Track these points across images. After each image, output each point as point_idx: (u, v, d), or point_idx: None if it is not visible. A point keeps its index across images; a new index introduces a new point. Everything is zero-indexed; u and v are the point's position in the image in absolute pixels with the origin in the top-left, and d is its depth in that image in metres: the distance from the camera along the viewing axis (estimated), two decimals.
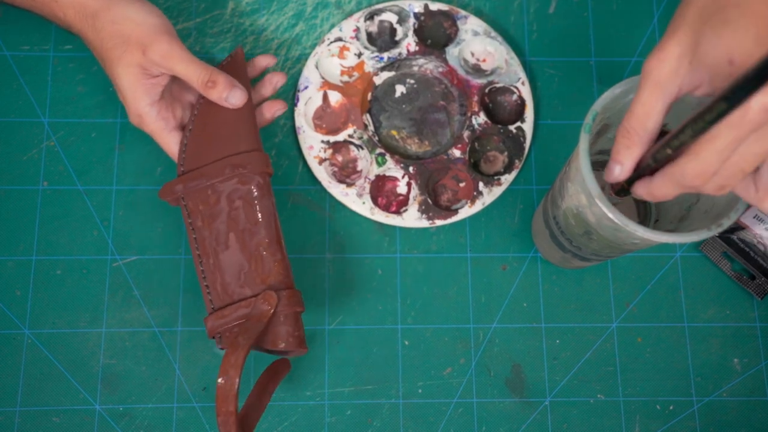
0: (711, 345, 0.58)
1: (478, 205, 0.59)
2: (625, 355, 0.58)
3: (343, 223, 0.59)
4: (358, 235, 0.59)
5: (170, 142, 0.54)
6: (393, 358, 0.57)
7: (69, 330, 0.56)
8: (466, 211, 0.59)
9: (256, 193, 0.52)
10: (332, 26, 0.63)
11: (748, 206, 0.59)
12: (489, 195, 0.59)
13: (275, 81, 0.59)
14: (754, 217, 0.59)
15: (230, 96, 0.53)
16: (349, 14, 0.64)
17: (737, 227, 0.59)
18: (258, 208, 0.52)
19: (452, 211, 0.59)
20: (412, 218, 0.58)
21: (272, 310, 0.49)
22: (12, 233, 0.58)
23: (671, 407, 0.57)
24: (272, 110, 0.58)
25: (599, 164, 0.57)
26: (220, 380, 0.46)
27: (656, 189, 0.39)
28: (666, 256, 0.60)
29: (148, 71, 0.52)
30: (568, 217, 0.48)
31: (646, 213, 0.56)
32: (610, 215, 0.41)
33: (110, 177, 0.59)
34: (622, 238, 0.44)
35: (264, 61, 0.60)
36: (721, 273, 0.60)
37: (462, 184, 0.60)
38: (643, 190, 0.40)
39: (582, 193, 0.44)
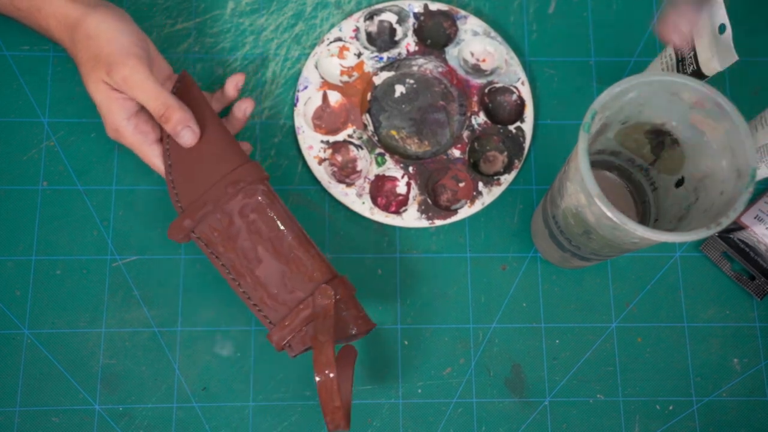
0: (711, 345, 0.58)
1: (478, 205, 0.59)
2: (624, 355, 0.58)
3: (343, 223, 0.59)
4: (357, 235, 0.59)
5: (151, 155, 0.54)
6: (393, 358, 0.57)
7: (69, 330, 0.56)
8: (465, 211, 0.59)
9: (265, 202, 0.52)
10: (332, 26, 0.63)
11: (748, 206, 0.59)
12: (489, 195, 0.59)
13: (244, 108, 0.58)
14: (754, 218, 0.59)
15: (179, 136, 0.52)
16: (349, 14, 0.64)
17: (737, 227, 0.59)
18: (274, 215, 0.51)
19: (452, 211, 0.59)
20: (411, 218, 0.58)
21: (333, 302, 0.50)
22: (12, 233, 0.58)
23: (671, 407, 0.57)
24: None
25: (599, 164, 0.57)
26: (319, 379, 0.47)
27: None
28: (666, 256, 0.60)
29: (115, 89, 0.52)
30: (567, 217, 0.48)
31: (645, 212, 0.56)
32: (609, 214, 0.41)
33: (110, 177, 0.59)
34: (621, 238, 0.44)
35: (232, 82, 0.58)
36: (721, 273, 0.60)
37: (462, 184, 0.60)
38: None
39: (581, 193, 0.44)
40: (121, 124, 0.52)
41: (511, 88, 0.62)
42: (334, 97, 0.61)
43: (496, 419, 0.56)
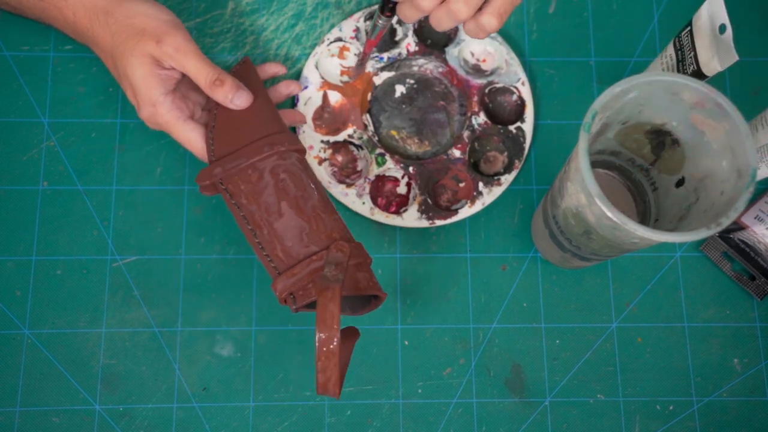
0: (711, 345, 0.58)
1: (478, 205, 0.59)
2: (625, 355, 0.58)
3: None
4: (358, 235, 0.59)
5: (186, 131, 0.54)
6: (393, 358, 0.57)
7: (69, 330, 0.56)
8: (465, 211, 0.59)
9: (298, 166, 0.52)
10: (332, 26, 0.63)
11: (748, 206, 0.59)
12: (489, 195, 0.59)
13: (291, 89, 0.60)
14: (754, 218, 0.59)
15: (236, 97, 0.53)
16: (349, 14, 0.64)
17: (737, 227, 0.59)
18: (304, 177, 0.51)
19: (452, 211, 0.59)
20: (411, 218, 0.58)
21: (347, 258, 0.48)
22: (12, 233, 0.58)
23: (671, 407, 0.57)
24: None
25: (599, 164, 0.57)
26: (321, 334, 0.43)
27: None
28: (666, 256, 0.60)
29: (160, 63, 0.52)
30: (567, 217, 0.48)
31: (645, 212, 0.56)
32: (610, 214, 0.41)
33: (110, 177, 0.59)
34: (622, 238, 0.44)
35: (273, 68, 0.60)
36: (721, 273, 0.60)
37: (462, 185, 0.60)
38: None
39: (581, 193, 0.44)
40: (159, 99, 0.52)
41: (512, 88, 0.62)
42: (335, 97, 0.61)
43: (496, 419, 0.56)
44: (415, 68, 0.63)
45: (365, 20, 0.63)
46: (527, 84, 0.61)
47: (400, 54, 0.62)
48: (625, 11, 0.65)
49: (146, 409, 0.55)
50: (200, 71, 0.52)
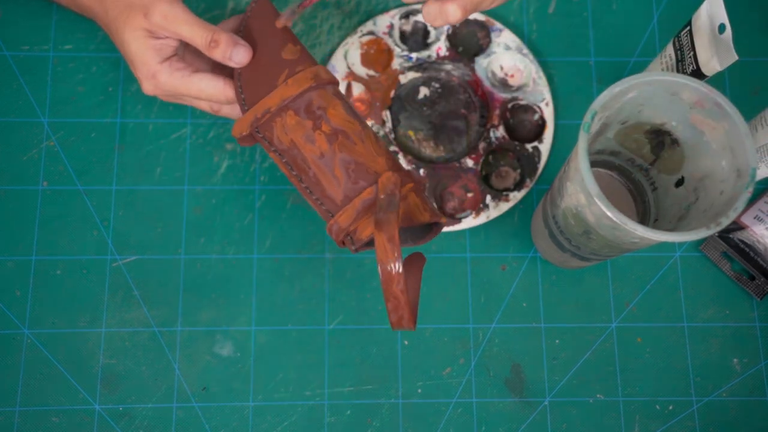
0: (710, 345, 0.58)
1: (482, 218, 0.59)
2: (624, 355, 0.58)
3: None
4: None
5: (194, 85, 0.52)
6: (392, 358, 0.57)
7: (69, 330, 0.56)
8: (469, 222, 0.59)
9: (334, 98, 0.50)
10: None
11: (748, 206, 0.59)
12: (495, 209, 0.59)
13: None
14: (754, 218, 0.59)
15: (234, 54, 0.51)
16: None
17: (737, 227, 0.59)
18: (343, 109, 0.50)
19: (456, 220, 0.59)
20: None
21: (399, 186, 0.47)
22: (12, 233, 0.58)
23: (671, 407, 0.57)
24: None
25: (598, 164, 0.57)
26: (384, 267, 0.41)
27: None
28: (666, 256, 0.60)
29: (154, 34, 0.51)
30: (567, 217, 0.48)
31: (645, 212, 0.56)
32: (609, 214, 0.41)
33: (110, 177, 0.59)
34: (621, 237, 0.44)
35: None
36: (720, 273, 0.60)
37: (470, 195, 0.60)
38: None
39: (581, 193, 0.44)
40: (156, 68, 0.51)
41: (535, 107, 0.62)
42: (358, 89, 0.61)
43: (496, 419, 0.56)
44: (442, 73, 0.63)
45: (400, 18, 0.63)
46: (551, 105, 0.61)
47: (429, 56, 0.62)
48: (625, 11, 0.65)
49: (146, 409, 0.55)
50: (194, 35, 0.50)
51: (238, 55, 0.51)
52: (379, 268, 0.42)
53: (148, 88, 0.52)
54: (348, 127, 0.49)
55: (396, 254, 0.41)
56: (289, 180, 0.50)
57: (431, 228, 0.50)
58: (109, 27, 0.52)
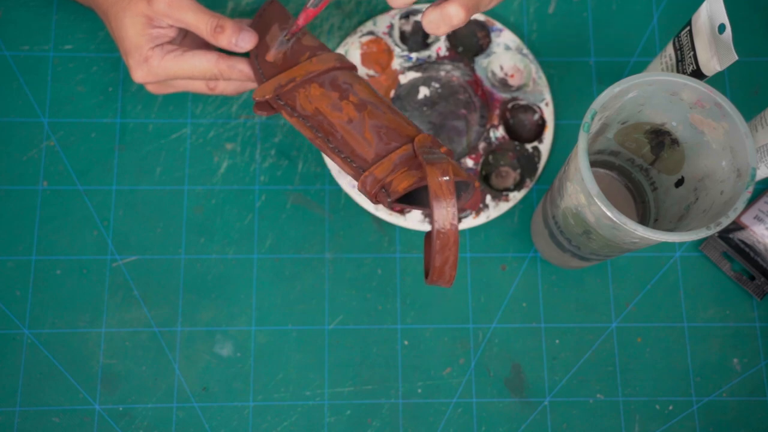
0: (711, 345, 0.58)
1: (482, 218, 0.59)
2: (624, 355, 0.58)
3: (343, 223, 0.59)
4: (357, 235, 0.59)
5: (186, 63, 0.51)
6: (392, 358, 0.57)
7: (69, 330, 0.56)
8: (468, 222, 0.59)
9: (358, 77, 0.50)
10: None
11: (748, 206, 0.59)
12: (495, 209, 0.59)
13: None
14: (754, 218, 0.59)
15: (239, 40, 0.51)
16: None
17: (737, 227, 0.59)
18: (365, 83, 0.49)
19: None
20: (414, 220, 0.58)
21: (438, 147, 0.45)
22: (12, 233, 0.58)
23: (671, 407, 0.57)
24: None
25: (598, 164, 0.57)
26: (440, 212, 0.38)
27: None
28: (666, 256, 0.60)
29: (154, 21, 0.50)
30: (567, 217, 0.48)
31: (645, 212, 0.56)
32: (609, 214, 0.41)
33: (110, 177, 0.59)
34: (621, 237, 0.44)
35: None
36: (720, 273, 0.60)
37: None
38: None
39: (581, 193, 0.44)
40: (149, 53, 0.51)
41: (535, 107, 0.62)
42: None
43: (496, 419, 0.56)
44: (442, 73, 0.63)
45: (400, 18, 0.63)
46: (551, 105, 0.61)
47: (429, 57, 0.62)
48: (625, 11, 0.65)
49: (146, 408, 0.55)
50: (199, 21, 0.50)
51: (244, 41, 0.51)
52: (432, 215, 0.38)
53: (139, 74, 0.52)
54: (376, 99, 0.49)
55: (452, 201, 0.39)
56: (313, 143, 0.48)
57: (460, 194, 0.48)
58: (108, 12, 0.52)
